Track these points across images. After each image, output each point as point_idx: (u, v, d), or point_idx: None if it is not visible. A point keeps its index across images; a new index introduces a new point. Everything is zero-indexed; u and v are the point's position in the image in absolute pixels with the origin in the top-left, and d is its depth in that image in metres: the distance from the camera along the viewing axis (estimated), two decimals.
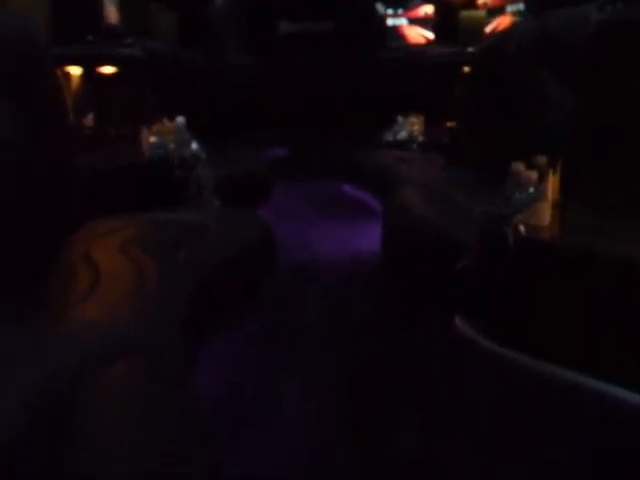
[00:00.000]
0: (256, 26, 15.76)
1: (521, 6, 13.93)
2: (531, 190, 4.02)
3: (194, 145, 8.19)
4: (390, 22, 16.11)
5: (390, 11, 16.18)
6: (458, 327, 4.30)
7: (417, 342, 4.87)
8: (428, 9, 15.85)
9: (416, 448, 3.76)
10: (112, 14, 10.35)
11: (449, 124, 9.88)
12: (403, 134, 11.72)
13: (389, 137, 11.90)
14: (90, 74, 9.62)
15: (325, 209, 10.27)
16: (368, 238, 7.70)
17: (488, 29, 13.71)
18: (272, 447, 3.79)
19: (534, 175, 4.03)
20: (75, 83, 9.47)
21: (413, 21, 15.99)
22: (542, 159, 4.26)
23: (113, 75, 9.92)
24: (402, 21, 16.08)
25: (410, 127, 11.70)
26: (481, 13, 14.75)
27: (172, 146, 7.90)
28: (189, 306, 3.97)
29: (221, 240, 5.49)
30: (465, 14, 15.03)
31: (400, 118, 11.92)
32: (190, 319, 3.81)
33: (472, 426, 3.85)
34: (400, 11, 16.15)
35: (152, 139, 7.97)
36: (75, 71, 9.49)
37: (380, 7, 16.20)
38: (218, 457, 2.90)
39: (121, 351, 3.14)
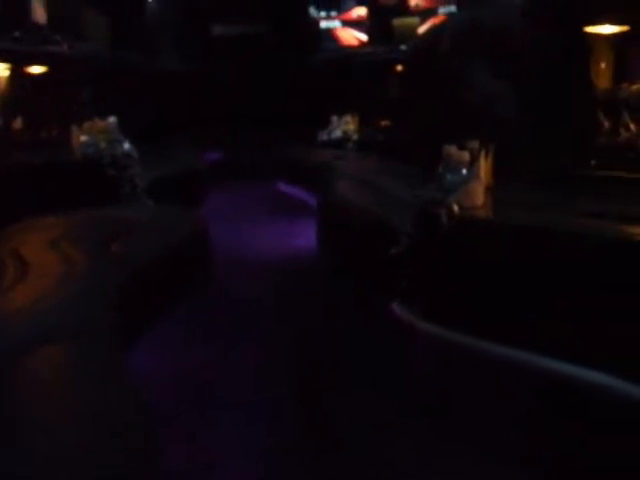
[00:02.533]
0: (190, 29, 15.66)
1: (453, 8, 14.11)
2: (463, 171, 4.03)
3: (126, 145, 8.04)
4: (324, 24, 16.17)
5: (323, 14, 16.24)
6: (396, 311, 4.30)
7: (358, 328, 4.85)
8: (361, 11, 15.95)
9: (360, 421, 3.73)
10: (39, 13, 10.15)
11: (383, 122, 9.92)
12: (338, 133, 11.75)
13: (324, 136, 11.94)
14: (18, 73, 9.42)
15: (261, 207, 10.25)
16: (305, 233, 7.69)
17: (421, 30, 13.84)
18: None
19: (466, 156, 4.05)
20: (2, 83, 9.26)
21: (346, 23, 16.07)
22: (474, 143, 4.27)
23: (42, 74, 9.72)
24: (336, 23, 16.15)
25: (345, 126, 11.74)
26: (414, 19, 14.90)
27: (103, 145, 7.76)
28: (118, 297, 3.89)
29: (153, 236, 5.42)
30: (398, 21, 15.16)
31: (335, 118, 11.96)
32: (120, 309, 3.73)
33: (417, 405, 3.84)
34: (333, 14, 16.22)
35: (83, 138, 7.81)
36: (2, 72, 9.28)
37: (313, 10, 16.24)
38: (158, 444, 2.81)
39: (47, 338, 3.06)
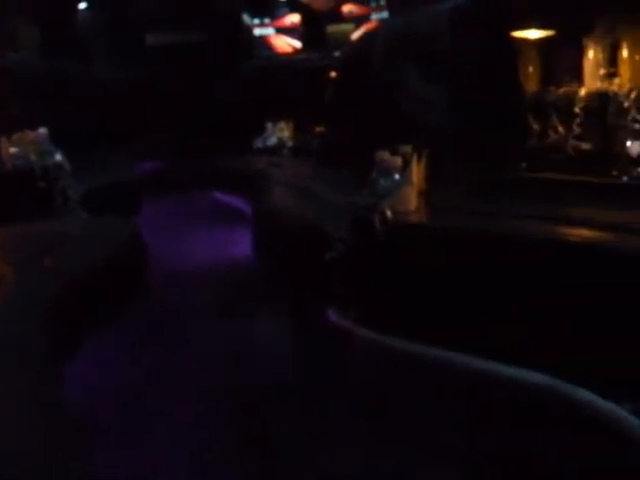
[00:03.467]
0: (124, 38, 15.48)
1: (385, 14, 14.20)
2: (396, 177, 4.04)
3: (58, 156, 7.88)
4: (257, 32, 16.13)
5: (257, 21, 16.20)
6: (332, 317, 4.28)
7: (295, 334, 4.84)
8: (294, 18, 15.95)
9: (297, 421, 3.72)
10: None
11: (318, 129, 9.92)
12: (273, 140, 11.74)
13: (259, 144, 11.90)
14: None
15: (197, 217, 10.16)
16: (241, 240, 7.64)
17: (354, 36, 13.88)
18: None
19: (398, 161, 4.06)
20: None
21: (280, 30, 16.06)
22: (407, 148, 4.29)
23: None
24: (269, 31, 16.13)
25: (280, 133, 11.73)
26: (348, 26, 14.96)
27: (33, 157, 7.60)
28: (49, 311, 3.80)
29: (86, 248, 5.33)
30: (332, 27, 15.20)
31: (269, 125, 11.94)
32: (50, 323, 3.64)
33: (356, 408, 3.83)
34: (267, 21, 16.19)
35: (12, 150, 7.64)
36: None
37: (247, 17, 16.19)
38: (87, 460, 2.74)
39: None
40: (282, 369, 4.44)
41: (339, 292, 4.27)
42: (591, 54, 4.48)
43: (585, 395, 3.06)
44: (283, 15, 16.14)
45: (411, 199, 4.01)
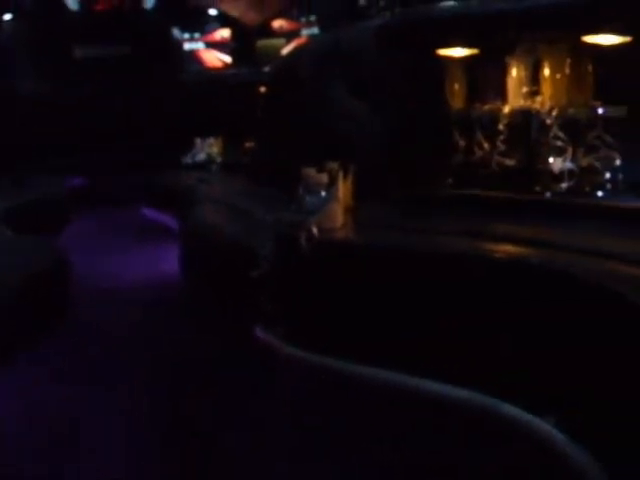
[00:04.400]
0: (49, 50, 15.22)
1: (316, 30, 14.27)
2: (322, 193, 4.03)
3: None
4: (187, 46, 16.05)
5: (187, 35, 16.13)
6: (259, 335, 4.25)
7: (222, 353, 4.80)
8: (224, 33, 15.93)
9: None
10: None
11: (248, 144, 9.90)
12: (202, 156, 11.67)
13: (188, 159, 11.83)
14: None
15: (126, 233, 10.06)
16: (169, 258, 7.57)
17: (284, 51, 13.92)
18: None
19: (324, 178, 4.05)
20: None
21: (210, 45, 16.01)
22: (333, 164, 4.29)
23: None
24: (199, 45, 16.06)
25: (209, 148, 11.68)
26: (279, 41, 14.99)
27: None
28: None
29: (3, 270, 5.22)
30: (262, 42, 15.22)
31: (198, 140, 11.87)
32: None
33: (286, 431, 3.81)
34: (197, 35, 16.13)
35: None
36: None
37: (177, 31, 16.10)
38: None
39: None
40: (208, 388, 4.40)
41: (266, 309, 4.25)
42: (514, 72, 4.54)
43: (509, 409, 3.07)
44: (213, 30, 16.10)
45: (337, 216, 4.01)
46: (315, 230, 3.83)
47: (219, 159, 11.47)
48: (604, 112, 4.24)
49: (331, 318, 3.84)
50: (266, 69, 11.55)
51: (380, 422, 3.53)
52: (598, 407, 2.65)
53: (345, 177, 4.27)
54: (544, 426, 2.89)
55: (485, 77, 4.86)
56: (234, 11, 15.78)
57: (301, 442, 3.68)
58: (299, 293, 3.99)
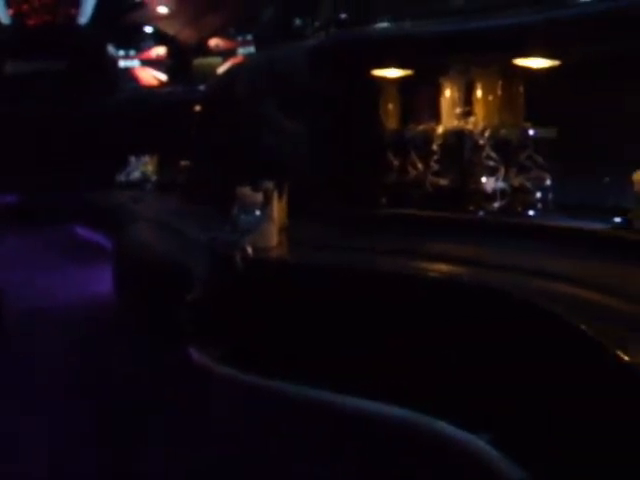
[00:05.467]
0: None
1: (252, 49, 14.29)
2: (257, 213, 4.02)
3: None
4: (122, 64, 15.93)
5: (122, 52, 16.00)
6: (194, 357, 4.21)
7: (156, 375, 4.74)
8: (160, 51, 15.85)
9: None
10: None
11: (183, 163, 9.84)
12: (136, 174, 11.56)
13: (122, 178, 11.71)
14: None
15: (58, 252, 9.91)
16: (102, 278, 7.47)
17: (220, 70, 13.89)
18: None
19: (259, 197, 4.04)
20: None
21: (146, 63, 15.91)
22: (268, 183, 4.28)
23: None
24: (134, 63, 15.96)
25: (143, 167, 11.58)
26: (216, 59, 14.96)
27: None
28: None
29: None
30: (198, 60, 15.18)
31: (133, 159, 11.76)
32: None
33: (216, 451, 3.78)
34: (132, 53, 16.02)
35: None
36: None
37: (112, 48, 15.97)
38: None
39: None
40: (140, 410, 4.34)
41: (201, 330, 4.21)
42: (448, 94, 4.60)
43: (443, 427, 3.09)
44: (149, 47, 16.01)
45: (272, 235, 4.00)
46: (250, 249, 3.82)
47: (154, 178, 11.38)
48: (535, 133, 4.33)
49: (266, 337, 3.82)
50: (202, 87, 11.51)
51: (316, 440, 3.52)
52: (532, 423, 2.68)
53: (280, 196, 4.27)
54: (479, 443, 2.91)
55: (419, 98, 4.92)
56: (170, 29, 15.71)
57: (233, 462, 3.66)
58: (234, 313, 3.96)
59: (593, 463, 2.27)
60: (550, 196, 4.33)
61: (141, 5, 15.62)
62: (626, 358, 2.15)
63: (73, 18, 15.86)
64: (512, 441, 2.80)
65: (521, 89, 4.44)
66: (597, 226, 3.72)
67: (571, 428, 2.45)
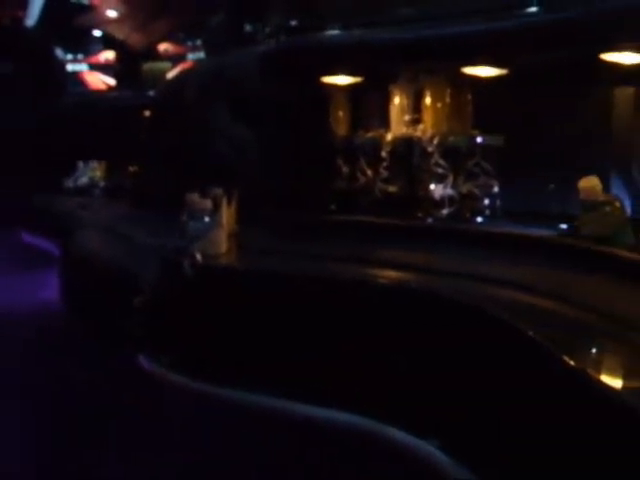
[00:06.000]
0: None
1: (202, 54, 14.20)
2: (206, 219, 4.00)
3: None
4: (70, 68, 15.72)
5: (70, 56, 15.79)
6: (144, 364, 4.16)
7: (105, 381, 4.68)
8: (109, 55, 15.68)
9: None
10: None
11: (131, 168, 9.75)
12: (84, 180, 11.41)
13: (70, 183, 11.54)
14: None
15: (3, 260, 9.71)
16: (49, 284, 7.35)
17: (169, 75, 13.79)
18: None
19: (208, 204, 4.02)
20: None
21: (94, 67, 15.73)
22: (217, 190, 4.27)
23: None
24: (83, 67, 15.75)
25: (91, 172, 11.43)
26: (165, 64, 14.84)
27: None
28: None
29: None
30: (148, 65, 15.05)
31: (81, 164, 11.60)
32: None
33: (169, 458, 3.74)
34: (80, 57, 15.82)
35: None
36: None
37: (60, 52, 15.76)
38: None
39: None
40: (90, 418, 4.28)
41: (150, 337, 4.17)
42: (397, 101, 4.64)
43: (394, 433, 3.11)
44: (97, 51, 15.83)
45: (221, 242, 3.98)
46: (199, 256, 3.80)
47: (102, 183, 11.25)
48: (483, 141, 4.38)
49: (216, 344, 3.80)
50: (151, 92, 11.42)
51: (267, 447, 3.51)
52: (480, 428, 2.71)
53: (229, 203, 4.26)
54: (428, 448, 2.93)
55: (368, 105, 4.95)
56: (119, 33, 15.56)
57: (185, 470, 3.63)
58: (183, 320, 3.93)
59: (541, 466, 2.30)
60: (498, 203, 4.39)
61: (90, 8, 15.43)
62: (572, 363, 2.18)
63: (19, 20, 15.62)
64: (461, 446, 2.82)
65: (469, 97, 4.49)
66: (544, 233, 3.77)
67: (519, 432, 2.47)
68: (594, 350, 2.53)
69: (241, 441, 3.64)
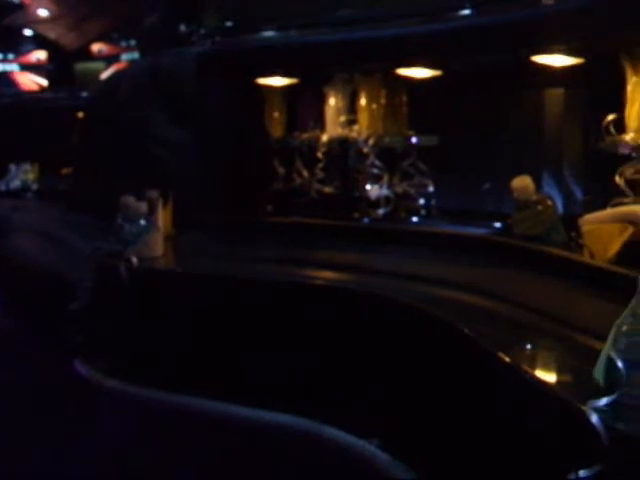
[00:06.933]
0: None
1: (136, 55, 14.06)
2: (142, 222, 3.96)
3: None
4: (0, 68, 15.43)
5: (0, 56, 15.50)
6: (79, 370, 4.11)
7: (41, 389, 4.61)
8: (41, 55, 15.42)
9: None
10: None
11: (65, 171, 9.60)
12: (16, 183, 11.19)
13: (1, 186, 11.32)
14: None
15: None
16: None
17: (103, 76, 13.64)
18: None
19: (144, 207, 3.98)
20: None
21: (25, 67, 15.46)
22: (153, 193, 4.23)
23: None
24: (13, 67, 15.47)
25: (24, 175, 11.21)
26: (99, 64, 14.65)
27: None
28: None
29: None
30: (81, 65, 14.84)
31: (13, 167, 11.39)
32: None
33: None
34: (11, 56, 15.53)
35: None
36: None
37: None
38: None
39: None
40: (26, 426, 4.23)
41: (86, 343, 4.11)
42: (332, 102, 4.66)
43: (332, 433, 3.12)
44: (29, 51, 15.55)
45: (157, 245, 3.95)
46: (135, 260, 3.76)
47: (35, 186, 11.05)
48: (417, 141, 4.42)
49: (153, 349, 3.76)
50: (84, 93, 11.27)
51: (205, 451, 3.50)
52: (419, 427, 2.74)
53: (165, 205, 4.23)
54: (369, 447, 2.95)
55: (304, 106, 4.96)
56: (51, 33, 15.31)
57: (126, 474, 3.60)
58: (119, 325, 3.89)
59: (479, 461, 2.33)
60: (433, 202, 4.44)
61: (20, 7, 15.16)
62: (507, 360, 2.21)
63: None
64: (401, 445, 2.84)
65: (404, 99, 4.53)
66: (478, 232, 3.82)
67: (457, 431, 2.51)
68: (527, 346, 2.57)
69: (178, 443, 3.62)
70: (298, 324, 3.30)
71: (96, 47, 15.17)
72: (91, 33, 15.12)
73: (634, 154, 2.97)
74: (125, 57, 14.67)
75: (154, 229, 3.96)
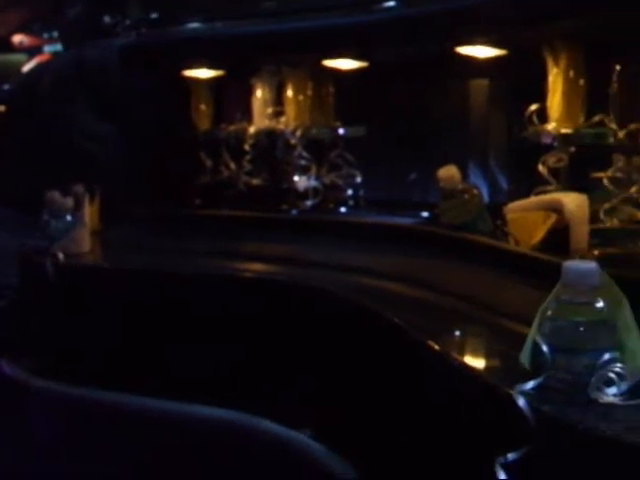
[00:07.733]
0: None
1: (59, 47, 13.77)
2: (68, 217, 3.90)
3: None
4: None
5: None
6: (5, 369, 4.03)
7: None
8: None
9: None
10: None
11: None
12: None
13: None
14: None
15: None
16: None
17: (25, 68, 13.31)
18: None
19: (70, 202, 3.93)
20: None
21: None
22: (79, 187, 4.17)
23: None
24: None
25: None
26: (21, 57, 14.31)
27: None
28: None
29: None
30: (1, 57, 14.48)
31: None
32: None
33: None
34: None
35: None
36: None
37: None
38: None
39: None
40: None
41: (12, 341, 4.05)
42: (259, 94, 4.64)
43: (267, 425, 3.13)
44: None
45: (85, 240, 3.90)
46: (61, 256, 3.71)
47: None
48: (345, 132, 4.44)
49: (81, 346, 3.72)
50: (5, 86, 11.00)
51: (137, 448, 3.48)
52: (353, 418, 2.76)
53: (91, 200, 4.18)
54: (303, 438, 2.97)
55: (231, 98, 4.93)
56: None
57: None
58: (46, 323, 3.83)
59: (413, 452, 2.36)
60: (361, 193, 4.47)
61: None
62: (437, 347, 2.25)
63: None
64: (334, 436, 2.87)
65: (331, 89, 4.55)
66: (406, 221, 3.86)
67: (389, 419, 2.54)
68: (456, 333, 2.61)
69: (110, 441, 3.59)
70: (228, 317, 3.30)
71: (17, 38, 14.79)
72: (11, 24, 14.75)
73: (556, 143, 3.03)
74: (48, 49, 14.33)
75: (80, 224, 3.91)
